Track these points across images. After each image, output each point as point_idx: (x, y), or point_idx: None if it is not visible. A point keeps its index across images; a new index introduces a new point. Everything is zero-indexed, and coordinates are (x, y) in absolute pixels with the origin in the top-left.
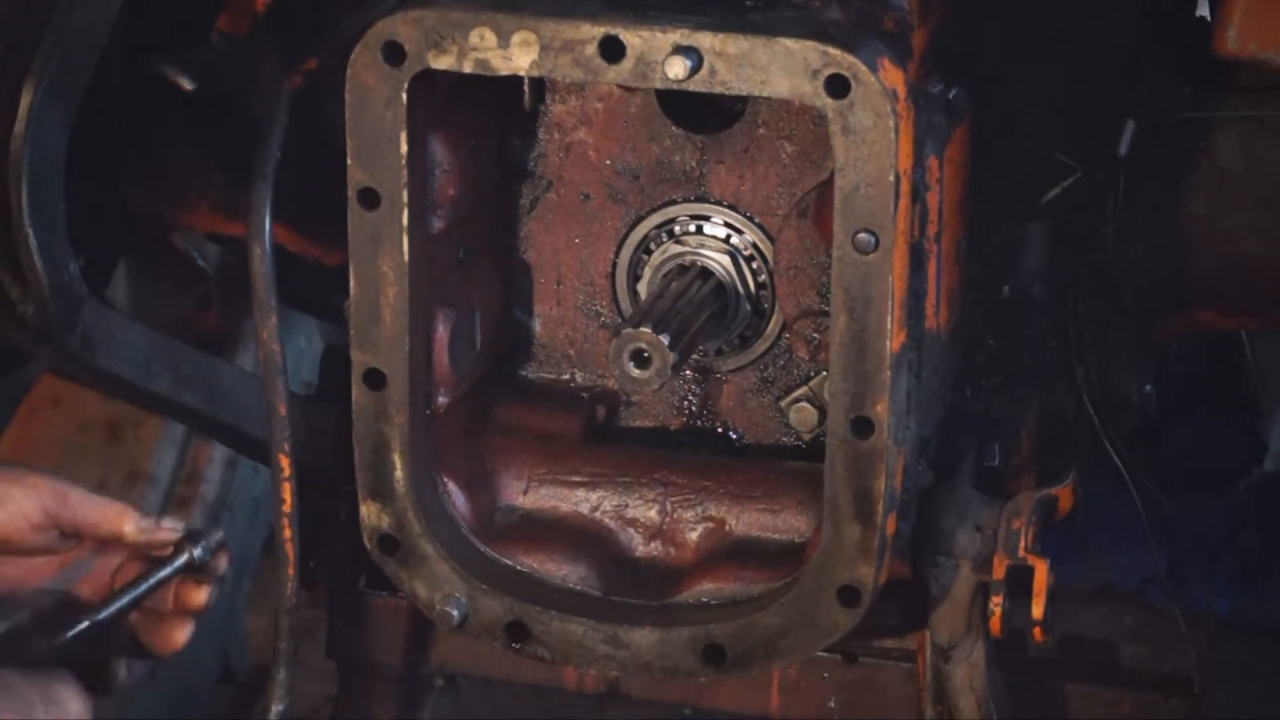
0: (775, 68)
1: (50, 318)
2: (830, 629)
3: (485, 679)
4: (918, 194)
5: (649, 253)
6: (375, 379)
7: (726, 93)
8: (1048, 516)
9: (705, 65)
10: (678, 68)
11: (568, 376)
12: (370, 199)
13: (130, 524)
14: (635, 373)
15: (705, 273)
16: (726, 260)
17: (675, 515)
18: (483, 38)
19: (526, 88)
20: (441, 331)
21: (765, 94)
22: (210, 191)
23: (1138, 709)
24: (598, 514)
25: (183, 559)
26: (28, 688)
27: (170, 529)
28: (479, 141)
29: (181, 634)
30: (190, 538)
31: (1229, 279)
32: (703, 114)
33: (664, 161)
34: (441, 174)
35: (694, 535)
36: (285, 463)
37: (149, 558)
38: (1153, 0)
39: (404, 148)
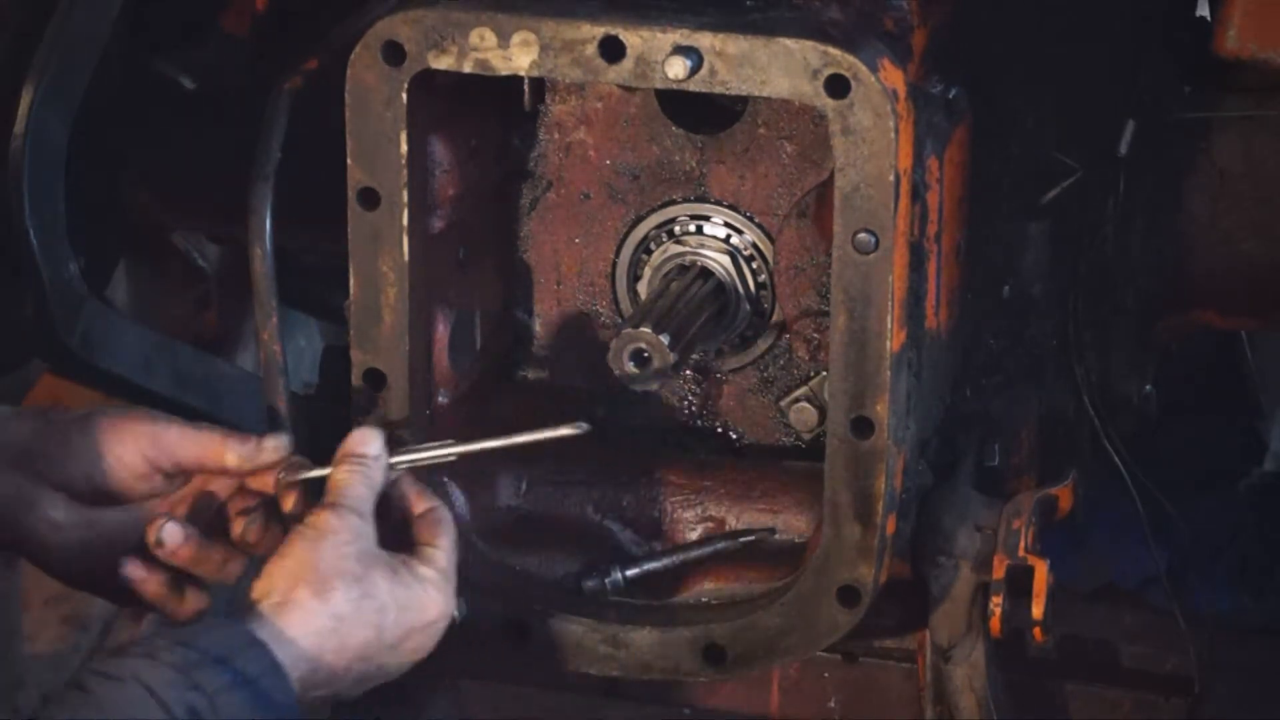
0: (775, 68)
1: (50, 318)
2: (830, 629)
3: (485, 679)
4: (918, 194)
5: (649, 253)
6: (375, 379)
7: (726, 93)
8: (1048, 516)
9: (705, 65)
10: (678, 68)
11: (568, 376)
12: (370, 199)
13: (232, 454)
14: (635, 373)
15: (705, 273)
16: (726, 260)
17: (675, 515)
18: (483, 38)
19: (526, 88)
20: (441, 331)
21: (765, 94)
22: (210, 191)
23: (1138, 709)
24: (598, 514)
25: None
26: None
27: (274, 447)
28: (479, 141)
29: (237, 568)
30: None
31: (1229, 279)
32: (703, 114)
33: (664, 161)
34: (441, 174)
35: (694, 535)
36: None
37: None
38: (1152, 0)
39: (404, 148)
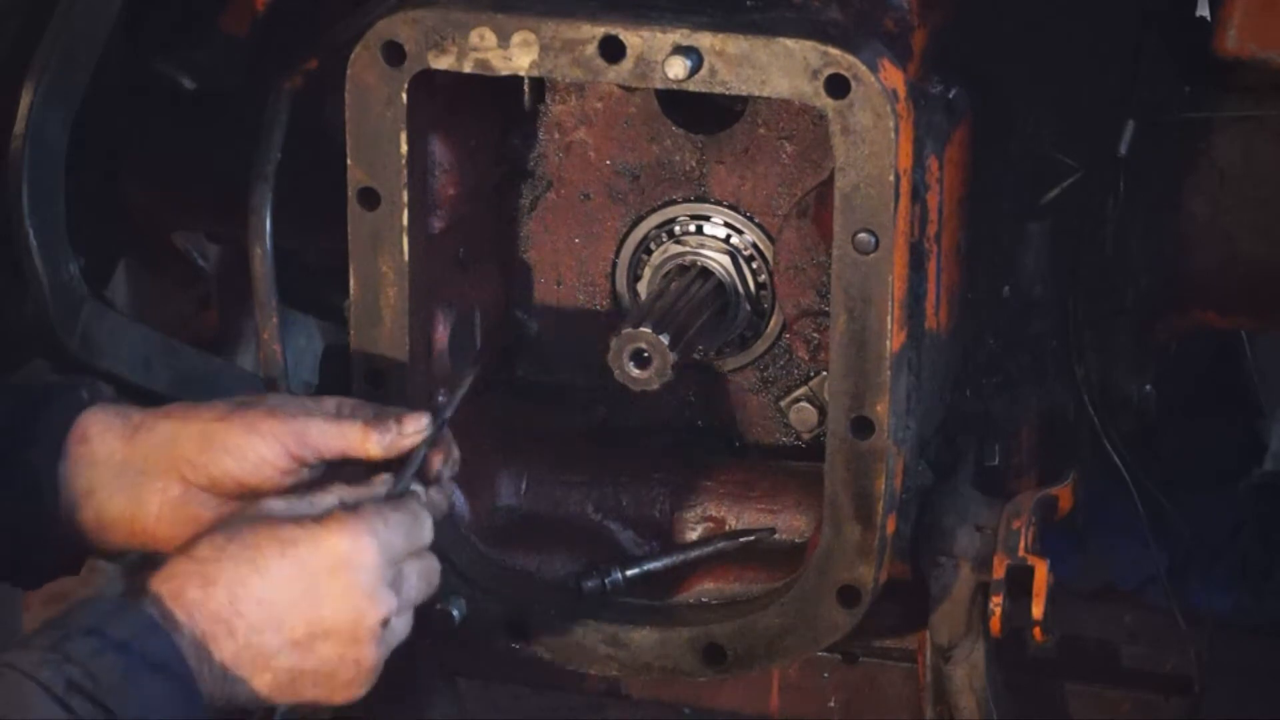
0: (775, 68)
1: (50, 318)
2: (830, 629)
3: (485, 679)
4: (918, 194)
5: (649, 253)
6: (375, 379)
7: (726, 93)
8: (1048, 516)
9: (705, 65)
10: (678, 68)
11: (568, 376)
12: (370, 199)
13: (374, 443)
14: (635, 373)
15: (705, 273)
16: (726, 260)
17: (675, 515)
18: (483, 38)
19: (526, 88)
20: (441, 331)
21: (765, 94)
22: (210, 191)
23: (1138, 709)
24: (598, 514)
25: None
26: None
27: (414, 431)
28: (479, 141)
29: None
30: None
31: (1229, 279)
32: (703, 114)
33: (664, 161)
34: (441, 174)
35: (694, 535)
36: None
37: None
38: (1153, 0)
39: (404, 148)
